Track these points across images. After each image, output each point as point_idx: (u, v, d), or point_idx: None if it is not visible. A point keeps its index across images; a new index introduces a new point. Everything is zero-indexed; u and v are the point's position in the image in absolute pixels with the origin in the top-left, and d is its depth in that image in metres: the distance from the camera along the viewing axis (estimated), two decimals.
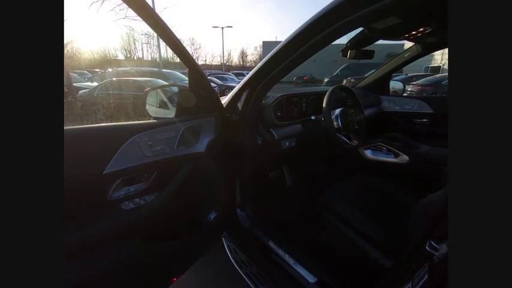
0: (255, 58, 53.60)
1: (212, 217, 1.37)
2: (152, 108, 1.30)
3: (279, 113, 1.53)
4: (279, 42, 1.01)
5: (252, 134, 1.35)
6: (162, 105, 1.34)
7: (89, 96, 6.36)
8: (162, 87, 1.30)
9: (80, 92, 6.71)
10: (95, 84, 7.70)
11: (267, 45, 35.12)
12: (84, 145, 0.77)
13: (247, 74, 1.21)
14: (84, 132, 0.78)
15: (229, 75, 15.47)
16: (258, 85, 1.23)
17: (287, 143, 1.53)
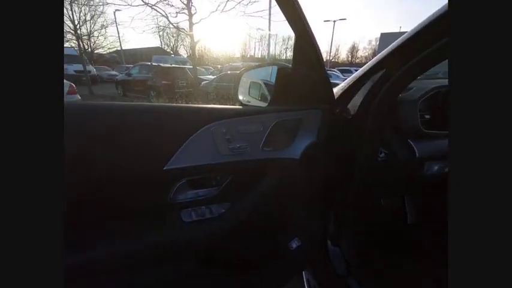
0: (367, 54, 47.67)
1: (294, 245, 1.02)
2: (245, 95, 1.06)
3: (427, 116, 0.94)
4: (403, 33, 0.75)
5: (371, 143, 0.89)
6: (257, 91, 1.08)
7: (207, 87, 7.57)
8: (259, 66, 1.02)
9: (202, 83, 8.11)
10: (213, 77, 9.04)
11: (385, 38, 29.74)
12: (138, 130, 0.59)
13: (356, 70, 0.94)
14: (139, 111, 0.60)
15: (333, 71, 14.27)
16: (398, 68, 0.74)
17: (436, 167, 0.93)
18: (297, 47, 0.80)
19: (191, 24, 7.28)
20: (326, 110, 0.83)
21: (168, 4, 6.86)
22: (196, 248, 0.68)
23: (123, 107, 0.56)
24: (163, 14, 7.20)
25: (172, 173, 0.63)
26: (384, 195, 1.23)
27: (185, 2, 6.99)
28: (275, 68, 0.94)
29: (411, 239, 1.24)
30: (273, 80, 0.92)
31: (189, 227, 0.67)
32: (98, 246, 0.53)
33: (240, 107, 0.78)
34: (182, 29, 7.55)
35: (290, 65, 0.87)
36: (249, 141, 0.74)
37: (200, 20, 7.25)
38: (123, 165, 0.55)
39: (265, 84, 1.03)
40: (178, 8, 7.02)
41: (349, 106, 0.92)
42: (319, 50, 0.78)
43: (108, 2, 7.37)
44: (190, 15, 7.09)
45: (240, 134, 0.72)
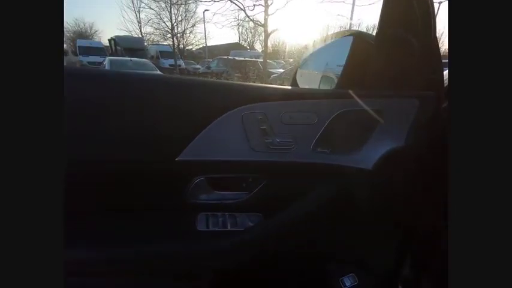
0: None
1: (348, 284, 0.75)
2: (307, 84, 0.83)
3: None
4: None
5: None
6: (328, 83, 0.83)
7: (275, 80, 7.59)
8: (336, 34, 0.74)
9: (272, 76, 8.19)
10: (283, 70, 8.92)
11: None
12: (146, 105, 0.46)
13: None
14: (150, 82, 0.47)
15: None
16: None
17: None
18: (385, 8, 0.52)
19: (266, 16, 7.26)
20: (428, 99, 0.53)
21: None
22: (206, 267, 0.53)
23: (125, 75, 0.45)
24: (241, 7, 7.45)
25: (186, 165, 0.50)
26: None
27: None
28: (349, 40, 0.67)
29: None
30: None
31: (203, 238, 0.53)
32: (80, 248, 0.44)
33: (289, 87, 0.57)
34: (257, 21, 7.64)
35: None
36: (296, 135, 0.53)
37: (276, 11, 7.14)
38: (123, 150, 0.45)
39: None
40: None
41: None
42: (431, 2, 0.48)
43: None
44: (266, 6, 7.07)
45: (284, 124, 0.51)
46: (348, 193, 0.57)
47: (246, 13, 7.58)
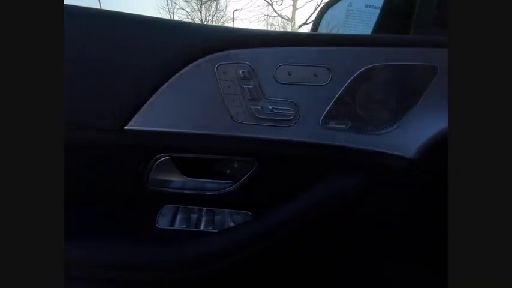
0: None
1: None
2: None
3: None
4: None
5: None
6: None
7: None
8: None
9: None
10: None
11: None
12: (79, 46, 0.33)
13: None
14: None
15: None
16: None
17: None
18: None
19: (294, 10, 7.00)
20: None
21: None
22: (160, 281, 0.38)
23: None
24: (269, 2, 7.28)
25: (139, 137, 0.36)
26: None
27: None
28: None
29: None
30: None
31: (161, 240, 0.38)
32: None
33: (286, 31, 0.40)
34: (285, 15, 7.40)
35: None
36: (298, 102, 0.36)
37: (304, 4, 6.85)
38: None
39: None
40: None
41: None
42: None
43: None
44: (295, 0, 6.81)
45: (279, 84, 0.35)
46: (377, 194, 0.39)
47: (273, 8, 7.40)
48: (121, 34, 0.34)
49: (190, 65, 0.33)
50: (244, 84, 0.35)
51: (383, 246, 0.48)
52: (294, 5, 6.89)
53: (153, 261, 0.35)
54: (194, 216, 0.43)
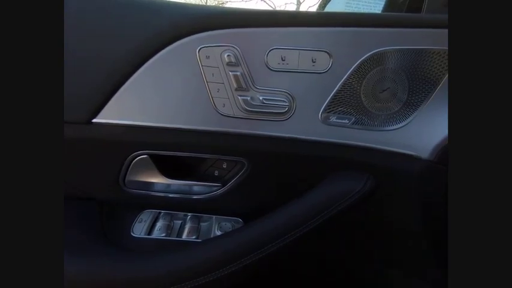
0: None
1: None
2: None
3: None
4: None
5: None
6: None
7: None
8: None
9: None
10: None
11: None
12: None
13: None
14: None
15: None
16: None
17: None
18: None
19: None
20: None
21: None
22: None
23: None
24: (273, 6, 7.31)
25: (109, 131, 0.31)
26: None
27: None
28: None
29: None
30: None
31: (138, 251, 0.33)
32: None
33: (279, 9, 0.35)
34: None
35: None
36: (293, 92, 0.31)
37: (308, 8, 6.85)
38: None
39: None
40: None
41: None
42: None
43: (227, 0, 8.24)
44: (298, 4, 6.83)
45: (271, 71, 0.30)
46: (388, 196, 0.34)
47: None
48: (94, 17, 0.30)
49: (167, 48, 0.29)
50: (231, 71, 0.30)
51: (389, 256, 0.43)
52: (297, 10, 6.91)
53: (120, 279, 0.30)
54: (177, 223, 0.38)
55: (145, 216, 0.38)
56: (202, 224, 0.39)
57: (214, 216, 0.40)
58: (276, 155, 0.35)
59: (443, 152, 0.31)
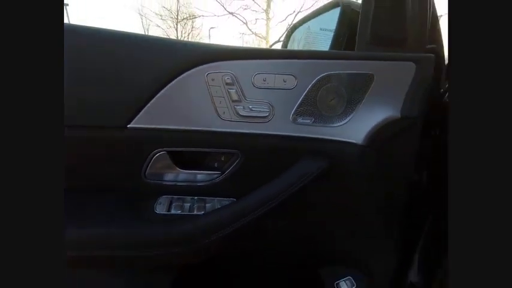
0: None
1: None
2: None
3: None
4: None
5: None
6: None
7: None
8: (316, 12, 0.68)
9: None
10: None
11: None
12: (89, 60, 0.40)
13: None
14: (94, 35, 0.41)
15: None
16: None
17: None
18: None
19: (268, 29, 7.44)
20: (425, 62, 0.45)
21: (246, 8, 7.25)
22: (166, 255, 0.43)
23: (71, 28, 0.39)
24: (244, 21, 7.66)
25: (140, 134, 0.43)
26: None
27: (264, 8, 7.22)
28: (337, 10, 0.61)
29: None
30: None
31: (160, 221, 0.44)
32: None
33: (260, 47, 0.50)
34: (259, 34, 7.82)
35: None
36: (272, 103, 0.45)
37: (277, 24, 7.32)
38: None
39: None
40: (256, 11, 7.32)
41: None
42: None
43: (199, 13, 8.43)
44: (268, 20, 7.26)
45: (256, 88, 0.44)
46: (336, 174, 0.49)
47: (248, 27, 7.79)
48: (129, 51, 0.42)
49: (185, 73, 0.41)
50: (229, 89, 0.43)
51: (347, 229, 0.57)
52: (267, 25, 7.35)
53: (149, 239, 0.40)
54: (187, 205, 0.49)
55: (163, 200, 0.48)
56: (207, 205, 0.50)
57: (216, 199, 0.51)
58: (262, 147, 0.48)
59: (370, 138, 0.47)
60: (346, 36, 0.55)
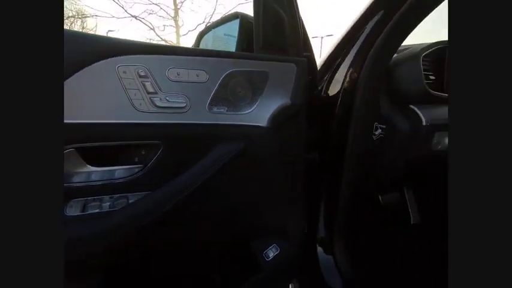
0: None
1: (272, 255, 0.76)
2: None
3: (432, 77, 0.75)
4: None
5: (364, 118, 0.70)
6: None
7: None
8: (219, 22, 0.79)
9: None
10: None
11: None
12: None
13: None
14: None
15: None
16: (389, 20, 0.63)
17: (447, 140, 0.73)
18: None
19: (178, 37, 7.26)
20: (301, 64, 0.62)
21: (152, 13, 6.84)
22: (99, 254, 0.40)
23: None
24: (151, 26, 7.17)
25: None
26: (382, 189, 1.00)
27: (172, 15, 7.01)
28: (237, 21, 0.73)
29: (417, 243, 1.00)
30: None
31: (72, 223, 0.40)
32: None
33: (174, 45, 0.55)
34: (169, 40, 7.51)
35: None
36: (188, 94, 0.50)
37: (188, 32, 7.25)
38: None
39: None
40: (163, 17, 7.01)
41: (336, 76, 0.72)
42: None
43: (91, 12, 7.31)
44: (178, 27, 7.09)
45: (172, 81, 0.48)
46: (250, 152, 0.58)
47: (156, 33, 7.34)
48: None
49: (93, 65, 0.40)
50: (143, 81, 0.45)
51: (259, 194, 0.66)
52: (177, 32, 7.16)
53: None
54: (106, 204, 0.47)
55: (74, 203, 0.44)
56: (131, 201, 0.49)
57: (139, 193, 0.51)
58: (182, 136, 0.52)
59: (272, 121, 0.59)
60: (246, 42, 0.67)
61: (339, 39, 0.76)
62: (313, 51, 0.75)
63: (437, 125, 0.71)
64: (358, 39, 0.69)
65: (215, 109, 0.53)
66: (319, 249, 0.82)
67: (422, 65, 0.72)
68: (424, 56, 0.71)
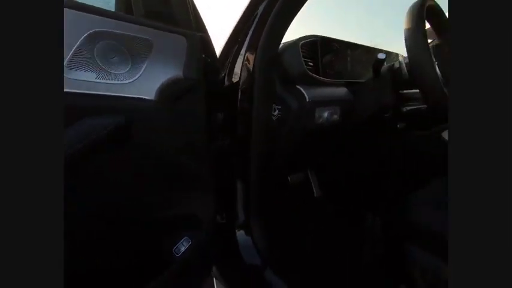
0: None
1: (183, 249, 0.69)
2: None
3: (310, 63, 0.88)
4: None
5: (264, 102, 0.74)
6: None
7: None
8: None
9: None
10: None
11: None
12: None
13: None
14: None
15: None
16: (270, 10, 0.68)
17: (326, 114, 0.87)
18: None
19: None
20: (193, 38, 0.59)
21: None
22: None
23: None
24: None
25: None
26: (290, 169, 1.10)
27: None
28: None
29: (323, 214, 1.16)
30: None
31: None
32: None
33: None
34: None
35: None
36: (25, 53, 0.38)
37: None
38: None
39: None
40: None
41: (236, 64, 0.74)
42: None
43: None
44: None
45: None
46: (137, 130, 0.50)
47: None
48: None
49: None
50: None
51: (159, 179, 0.58)
52: None
53: None
54: None
55: None
56: None
57: None
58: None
59: (161, 94, 0.53)
60: (123, 11, 0.59)
61: (234, 27, 0.78)
62: (208, 32, 0.74)
63: (318, 101, 0.83)
64: (250, 27, 0.73)
65: (73, 77, 0.43)
66: (239, 232, 0.81)
67: (302, 52, 0.83)
68: (302, 45, 0.83)
